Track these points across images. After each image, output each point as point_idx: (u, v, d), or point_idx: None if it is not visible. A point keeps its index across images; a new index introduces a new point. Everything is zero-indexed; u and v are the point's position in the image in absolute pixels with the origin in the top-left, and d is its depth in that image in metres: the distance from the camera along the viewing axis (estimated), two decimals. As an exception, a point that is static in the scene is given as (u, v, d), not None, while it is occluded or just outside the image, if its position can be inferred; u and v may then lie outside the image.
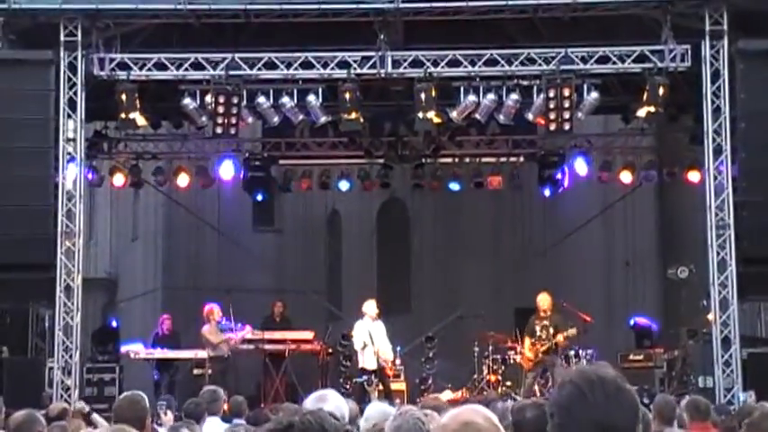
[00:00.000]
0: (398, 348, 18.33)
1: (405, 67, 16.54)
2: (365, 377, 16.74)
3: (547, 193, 21.30)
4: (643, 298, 23.24)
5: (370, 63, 16.46)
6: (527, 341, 17.27)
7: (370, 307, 17.11)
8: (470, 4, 16.19)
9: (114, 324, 21.19)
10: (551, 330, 17.10)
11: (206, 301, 22.40)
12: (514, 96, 16.71)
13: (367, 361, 16.94)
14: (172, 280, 26.26)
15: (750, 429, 5.58)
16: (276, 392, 18.35)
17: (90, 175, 19.71)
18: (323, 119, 17.48)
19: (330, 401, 5.15)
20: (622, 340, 21.01)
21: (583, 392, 2.85)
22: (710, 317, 15.97)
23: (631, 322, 20.96)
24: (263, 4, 16.38)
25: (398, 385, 18.08)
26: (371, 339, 16.80)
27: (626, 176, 20.68)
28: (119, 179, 20.92)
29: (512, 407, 5.16)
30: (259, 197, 22.23)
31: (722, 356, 15.46)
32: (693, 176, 19.18)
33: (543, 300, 17.27)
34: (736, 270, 15.60)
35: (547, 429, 2.96)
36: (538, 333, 17.15)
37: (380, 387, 16.91)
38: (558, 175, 20.78)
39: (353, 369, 18.20)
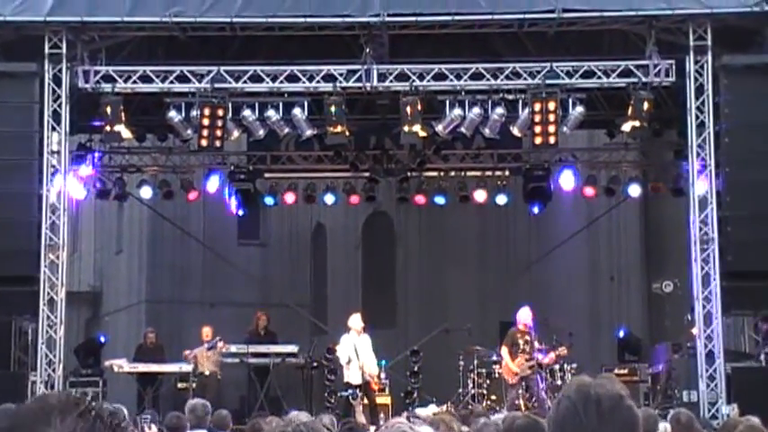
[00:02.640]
0: (383, 362, 18.30)
1: (390, 81, 16.55)
2: (350, 391, 16.71)
3: (536, 210, 21.33)
4: (627, 312, 23.29)
5: (356, 76, 16.47)
6: (505, 350, 17.19)
7: (356, 321, 17.10)
8: (456, 18, 16.23)
9: (102, 339, 21.07)
10: (535, 344, 17.08)
11: (190, 315, 22.43)
12: (500, 110, 16.74)
13: (352, 375, 16.92)
14: (156, 293, 26.18)
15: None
16: (260, 406, 18.30)
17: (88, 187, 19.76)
18: (308, 132, 17.46)
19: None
20: (607, 354, 21.04)
21: (576, 410, 2.83)
22: (695, 331, 16.01)
23: (621, 333, 20.97)
24: (249, 17, 16.38)
25: (383, 399, 18.06)
26: (357, 354, 16.78)
27: (611, 191, 20.75)
28: (103, 192, 20.87)
29: (504, 417, 5.22)
30: (240, 212, 22.17)
31: (706, 371, 15.49)
32: (678, 191, 19.24)
33: (524, 314, 17.25)
34: (720, 284, 15.64)
35: None
36: (521, 346, 17.12)
37: (365, 401, 16.87)
38: (543, 189, 20.80)
39: (338, 383, 18.18)
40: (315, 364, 19.19)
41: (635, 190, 20.62)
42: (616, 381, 3.05)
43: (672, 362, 17.47)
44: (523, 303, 17.74)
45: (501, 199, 21.30)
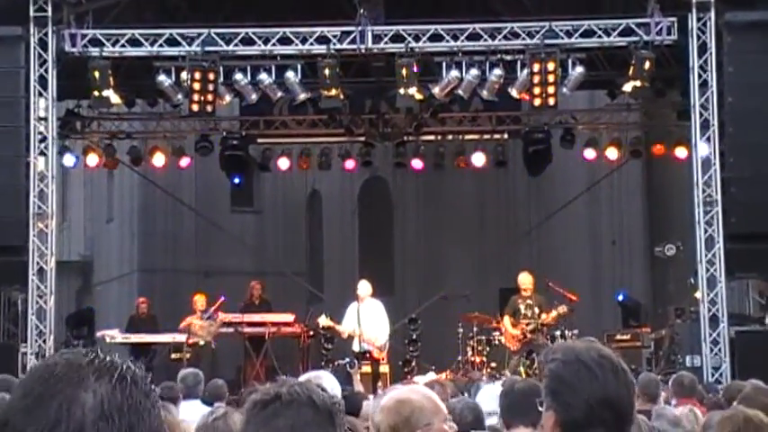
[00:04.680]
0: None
1: (385, 42, 16.49)
2: (347, 359, 16.79)
3: (533, 173, 21.34)
4: (630, 277, 23.34)
5: (350, 38, 16.41)
6: (507, 319, 17.26)
7: (359, 287, 17.18)
8: (452, -24, 16.16)
9: (91, 310, 21.13)
10: (536, 309, 17.12)
11: (183, 284, 22.44)
12: (498, 72, 16.69)
13: (354, 343, 17.07)
14: (148, 262, 26.22)
15: (744, 403, 5.68)
16: (257, 376, 18.36)
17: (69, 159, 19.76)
18: (302, 96, 17.43)
19: (323, 383, 5.22)
20: (609, 320, 21.12)
21: (592, 371, 2.92)
22: (698, 295, 16.06)
23: (619, 297, 21.07)
24: (239, -23, 16.30)
25: (381, 368, 18.10)
26: (358, 322, 16.89)
27: (612, 153, 20.74)
28: (92, 159, 20.84)
29: (503, 381, 5.29)
30: (237, 179, 22.17)
31: (710, 335, 15.56)
32: (680, 152, 19.24)
33: (525, 279, 17.26)
34: (724, 247, 15.68)
35: (544, 406, 3.00)
36: (522, 311, 17.15)
37: (363, 370, 16.94)
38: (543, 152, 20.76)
39: (335, 352, 18.25)
40: (311, 332, 19.24)
41: (637, 152, 20.60)
42: (600, 343, 3.19)
43: (675, 326, 17.54)
44: (523, 268, 17.77)
45: (499, 163, 21.29)
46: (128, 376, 1.86)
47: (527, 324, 17.04)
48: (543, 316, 16.98)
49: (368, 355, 17.03)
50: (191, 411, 8.65)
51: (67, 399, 1.83)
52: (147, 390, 1.87)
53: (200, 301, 18.74)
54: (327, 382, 5.34)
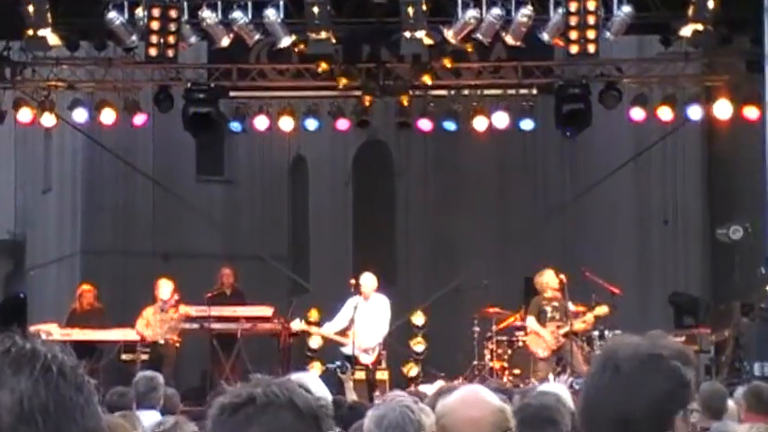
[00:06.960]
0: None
1: (388, -26, 16.52)
2: (338, 363, 16.87)
3: (567, 134, 21.40)
4: (685, 265, 23.40)
5: (345, -32, 16.43)
6: (532, 319, 17.36)
7: (364, 282, 17.29)
8: None
9: (22, 296, 21.22)
10: (567, 310, 17.22)
11: (137, 269, 22.50)
12: (526, 11, 16.74)
13: (347, 345, 17.19)
14: (94, 242, 26.33)
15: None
16: (226, 382, 18.45)
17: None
18: (285, 40, 17.45)
19: (309, 386, 5.23)
20: (660, 317, 21.20)
21: (595, 372, 2.93)
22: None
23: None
24: None
25: (379, 374, 18.20)
26: (353, 321, 17.00)
27: (665, 113, 20.74)
28: (25, 115, 20.85)
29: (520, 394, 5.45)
30: (204, 139, 22.24)
31: (784, 337, 15.63)
32: (750, 113, 19.25)
33: (550, 278, 17.33)
34: (803, 229, 15.74)
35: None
36: (549, 313, 17.25)
37: (358, 377, 17.05)
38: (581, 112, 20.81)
39: (322, 353, 18.34)
40: (293, 330, 19.33)
41: (696, 112, 20.62)
42: (663, 337, 3.11)
43: (740, 326, 17.61)
44: (548, 265, 17.82)
45: (527, 124, 21.31)
46: (53, 367, 1.85)
47: (558, 327, 17.13)
48: (589, 316, 17.09)
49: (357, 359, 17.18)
50: (145, 423, 8.68)
51: None
52: (78, 383, 1.86)
53: (163, 287, 18.70)
54: (314, 385, 5.35)
